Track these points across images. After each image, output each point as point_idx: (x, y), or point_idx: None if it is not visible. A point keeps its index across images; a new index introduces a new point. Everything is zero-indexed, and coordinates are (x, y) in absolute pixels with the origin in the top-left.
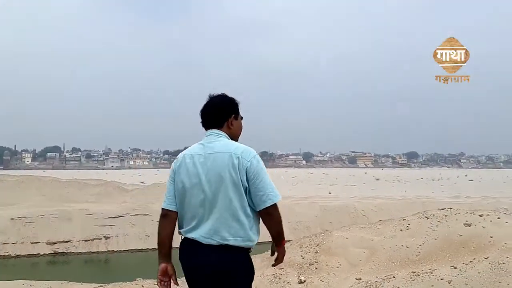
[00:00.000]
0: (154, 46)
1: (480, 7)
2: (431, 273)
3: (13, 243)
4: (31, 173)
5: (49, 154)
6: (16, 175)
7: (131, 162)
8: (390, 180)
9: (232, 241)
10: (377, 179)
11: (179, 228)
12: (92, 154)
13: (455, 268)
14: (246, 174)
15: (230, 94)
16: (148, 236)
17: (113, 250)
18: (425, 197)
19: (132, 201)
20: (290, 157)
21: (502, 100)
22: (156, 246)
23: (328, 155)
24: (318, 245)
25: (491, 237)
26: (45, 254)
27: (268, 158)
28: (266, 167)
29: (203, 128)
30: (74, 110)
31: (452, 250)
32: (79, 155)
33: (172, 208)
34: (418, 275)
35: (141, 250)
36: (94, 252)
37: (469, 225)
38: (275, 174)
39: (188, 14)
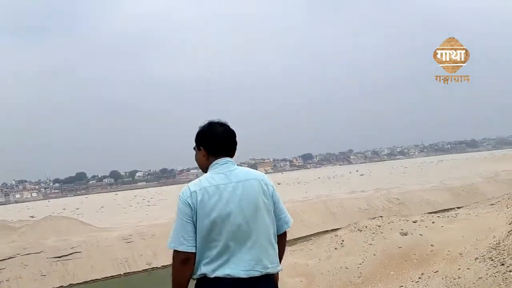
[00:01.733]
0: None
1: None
2: None
3: None
4: None
5: None
6: None
7: (17, 196)
8: (290, 183)
9: (271, 268)
10: (279, 183)
11: (198, 270)
12: None
13: None
14: (272, 199)
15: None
16: (44, 275)
17: None
18: (325, 196)
19: (22, 239)
20: (191, 171)
21: (378, 99)
22: None
23: None
24: None
25: (432, 245)
26: None
27: (168, 175)
28: (167, 185)
29: (210, 155)
30: None
31: (395, 265)
32: None
33: (194, 250)
34: None
35: None
36: None
37: (406, 234)
38: (179, 189)
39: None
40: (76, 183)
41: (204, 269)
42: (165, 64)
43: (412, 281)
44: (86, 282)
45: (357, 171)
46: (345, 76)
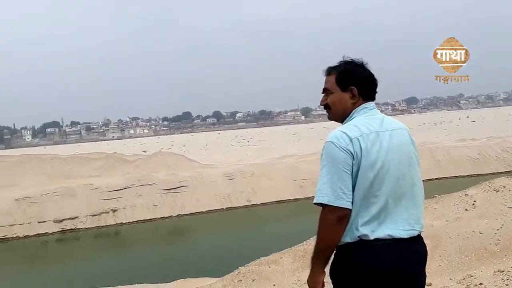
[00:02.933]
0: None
1: None
2: None
3: (20, 224)
4: (33, 150)
5: (48, 129)
6: (15, 154)
7: (131, 131)
8: None
9: (422, 228)
10: None
11: (355, 232)
12: (91, 127)
13: None
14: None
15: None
16: (156, 205)
17: (121, 223)
18: (430, 143)
19: (136, 171)
20: (289, 113)
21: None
22: None
23: None
24: None
25: None
26: (53, 232)
27: (267, 117)
28: (265, 126)
29: (361, 99)
30: (69, 85)
31: None
32: (78, 129)
33: (351, 206)
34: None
35: (149, 220)
36: (102, 226)
37: None
38: (277, 132)
39: None
40: (182, 122)
41: (363, 229)
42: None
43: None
44: (193, 213)
45: (467, 117)
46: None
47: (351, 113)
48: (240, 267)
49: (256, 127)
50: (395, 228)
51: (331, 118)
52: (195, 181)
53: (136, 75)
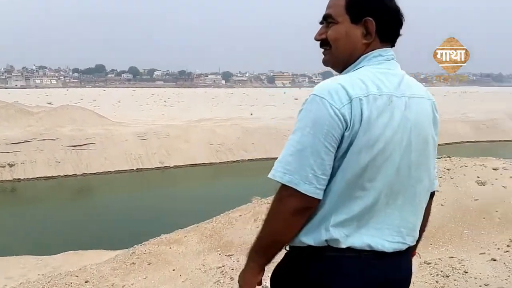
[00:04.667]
0: None
1: None
2: None
3: None
4: None
5: None
6: None
7: (37, 81)
8: None
9: (415, 240)
10: (296, 99)
11: (322, 233)
12: None
13: None
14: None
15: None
16: (59, 162)
17: (19, 179)
18: None
19: (39, 124)
20: (209, 76)
21: None
22: None
23: (247, 75)
24: None
25: None
26: None
27: (186, 78)
28: (184, 87)
29: (377, 40)
30: None
31: (470, 222)
32: None
33: (321, 196)
34: None
35: (51, 178)
36: None
37: (484, 184)
38: (196, 94)
39: None
40: (95, 75)
41: (334, 232)
42: None
43: (499, 249)
44: (99, 173)
45: None
46: None
47: (359, 60)
48: (136, 246)
49: (174, 87)
50: (379, 236)
51: (327, 61)
52: (104, 138)
53: (47, 16)
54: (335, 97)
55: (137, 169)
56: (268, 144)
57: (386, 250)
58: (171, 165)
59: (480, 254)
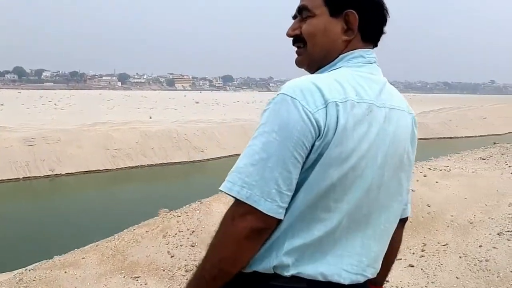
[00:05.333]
0: None
1: None
2: None
3: None
4: None
5: None
6: None
7: None
8: (209, 103)
9: (375, 272)
10: (197, 102)
11: (268, 260)
12: None
13: None
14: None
15: None
16: None
17: None
18: (243, 120)
19: None
20: (104, 78)
21: None
22: None
23: (145, 77)
24: None
25: (428, 205)
26: None
27: (79, 79)
28: (77, 89)
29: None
30: None
31: None
32: None
33: (282, 216)
34: None
35: None
36: None
37: None
38: (89, 97)
39: None
40: None
41: (284, 258)
42: None
43: (414, 254)
44: None
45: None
46: None
47: (336, 59)
48: (23, 270)
49: (66, 89)
50: (337, 265)
51: (302, 62)
52: None
53: None
54: (309, 99)
55: (23, 177)
56: (169, 148)
57: (342, 282)
58: (63, 173)
59: (396, 260)
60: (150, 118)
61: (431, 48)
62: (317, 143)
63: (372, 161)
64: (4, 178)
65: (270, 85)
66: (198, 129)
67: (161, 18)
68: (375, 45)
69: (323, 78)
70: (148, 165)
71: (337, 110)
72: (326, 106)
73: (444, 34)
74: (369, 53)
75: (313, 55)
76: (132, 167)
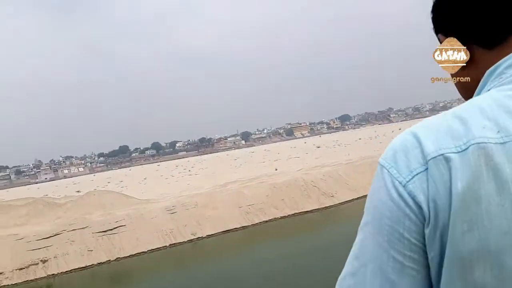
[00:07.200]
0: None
1: None
2: None
3: None
4: None
5: None
6: None
7: (65, 171)
8: (330, 146)
9: None
10: (318, 147)
11: None
12: (21, 170)
13: None
14: None
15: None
16: (91, 250)
17: (53, 274)
18: (369, 157)
19: (67, 215)
20: (229, 139)
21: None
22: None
23: (265, 131)
24: None
25: None
26: None
27: (207, 144)
28: (206, 153)
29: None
30: None
31: None
32: (7, 173)
33: None
34: None
35: (85, 268)
36: (32, 280)
37: None
38: (218, 158)
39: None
40: (120, 156)
41: None
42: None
43: None
44: (133, 255)
45: (399, 129)
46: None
47: (486, 83)
48: None
49: (197, 155)
50: None
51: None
52: (133, 219)
53: (68, 109)
54: (400, 162)
55: (170, 244)
56: (299, 197)
57: None
58: (204, 235)
59: None
60: (276, 170)
61: None
62: (426, 231)
63: None
64: (153, 248)
65: (391, 116)
66: (324, 174)
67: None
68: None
69: (435, 119)
70: (281, 217)
71: (448, 167)
72: (427, 167)
73: None
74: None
75: (462, 92)
76: (266, 221)
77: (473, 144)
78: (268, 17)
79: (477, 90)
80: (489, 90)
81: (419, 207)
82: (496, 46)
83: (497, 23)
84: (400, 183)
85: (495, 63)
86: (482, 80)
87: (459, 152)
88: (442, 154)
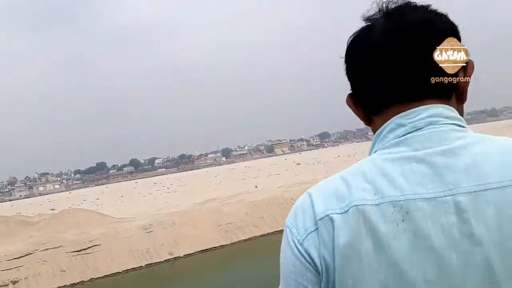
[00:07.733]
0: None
1: None
2: None
3: None
4: None
5: None
6: None
7: (41, 188)
8: (310, 163)
9: None
10: (298, 164)
11: None
12: None
13: None
14: None
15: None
16: (64, 271)
17: None
18: None
19: (40, 234)
20: (209, 155)
21: None
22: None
23: (246, 148)
24: None
25: None
26: None
27: (187, 161)
28: (186, 170)
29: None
30: None
31: None
32: None
33: None
34: None
35: None
36: None
37: None
38: (198, 176)
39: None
40: (97, 173)
41: None
42: (179, 52)
43: None
44: (107, 275)
45: None
46: None
47: (376, 141)
48: None
49: (176, 172)
50: None
51: None
52: (108, 238)
53: (45, 125)
54: (299, 222)
55: (146, 265)
56: (278, 214)
57: None
58: (181, 255)
59: None
60: (256, 187)
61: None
62: (322, 286)
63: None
64: (128, 268)
65: (369, 134)
66: (304, 191)
67: (264, 95)
68: (449, 96)
69: (328, 180)
70: (260, 235)
71: (333, 226)
72: (316, 223)
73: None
74: (419, 111)
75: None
76: (245, 240)
77: (353, 206)
78: (254, 34)
79: (369, 149)
80: (375, 151)
81: (314, 263)
82: (379, 113)
83: (374, 97)
84: (298, 241)
85: (382, 125)
86: (372, 140)
87: (342, 213)
88: (327, 215)
